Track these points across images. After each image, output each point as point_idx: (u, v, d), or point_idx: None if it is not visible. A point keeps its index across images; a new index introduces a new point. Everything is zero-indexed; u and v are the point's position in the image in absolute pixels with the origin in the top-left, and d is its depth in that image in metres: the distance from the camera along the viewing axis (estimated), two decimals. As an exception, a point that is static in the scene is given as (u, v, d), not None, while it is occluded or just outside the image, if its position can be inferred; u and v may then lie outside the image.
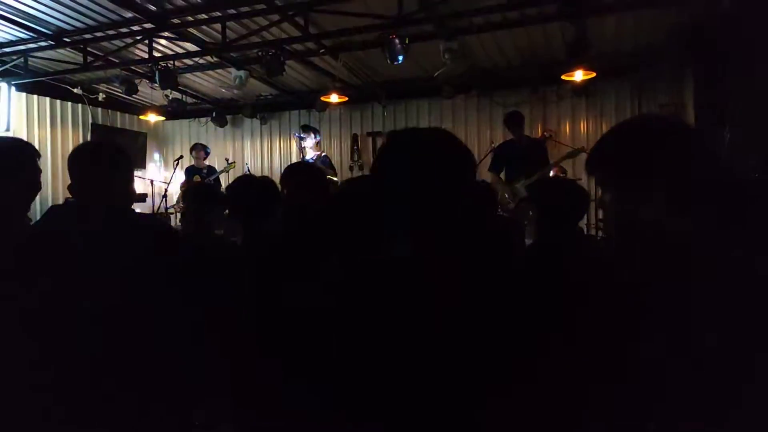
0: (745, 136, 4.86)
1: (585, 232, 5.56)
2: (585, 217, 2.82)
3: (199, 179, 7.61)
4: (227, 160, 8.47)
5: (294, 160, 8.76)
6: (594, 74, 6.53)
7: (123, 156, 1.98)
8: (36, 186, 2.09)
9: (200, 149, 7.97)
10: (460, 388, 1.10)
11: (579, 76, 6.55)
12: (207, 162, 8.11)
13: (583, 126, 7.98)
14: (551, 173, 6.04)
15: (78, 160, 1.90)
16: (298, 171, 2.94)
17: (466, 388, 1.10)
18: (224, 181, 7.74)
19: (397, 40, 5.66)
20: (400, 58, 5.80)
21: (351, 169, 9.10)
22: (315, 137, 6.92)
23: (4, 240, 1.86)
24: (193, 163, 7.99)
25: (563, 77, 6.77)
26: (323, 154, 7.02)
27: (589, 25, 5.99)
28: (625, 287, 1.18)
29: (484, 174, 6.05)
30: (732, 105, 5.17)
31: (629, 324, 1.10)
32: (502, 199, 5.72)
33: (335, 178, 6.52)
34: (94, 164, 1.89)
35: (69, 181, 1.88)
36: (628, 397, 1.08)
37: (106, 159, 1.92)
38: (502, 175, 6.11)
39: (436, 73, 6.43)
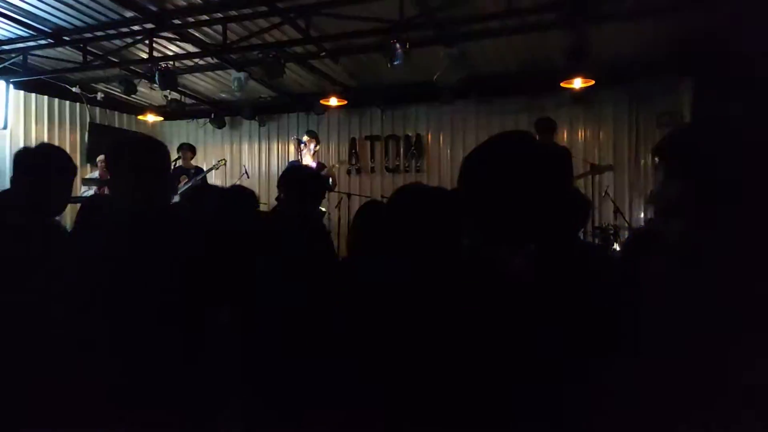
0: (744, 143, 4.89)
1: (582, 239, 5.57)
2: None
3: (186, 179, 7.56)
4: (223, 159, 8.45)
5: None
6: (592, 82, 6.58)
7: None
8: None
9: (186, 149, 7.93)
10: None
11: (578, 83, 6.59)
12: (195, 162, 8.08)
13: (581, 134, 8.02)
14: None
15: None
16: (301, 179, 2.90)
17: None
18: (215, 180, 7.71)
19: (397, 45, 5.68)
20: (400, 62, 5.81)
21: (349, 172, 9.10)
22: (315, 145, 6.95)
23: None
24: (180, 164, 7.95)
25: (562, 85, 6.81)
26: (320, 164, 7.05)
27: (588, 33, 6.02)
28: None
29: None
30: (731, 114, 5.20)
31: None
32: None
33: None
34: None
35: None
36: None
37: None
38: None
39: (435, 77, 6.43)
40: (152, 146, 2.01)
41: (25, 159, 2.08)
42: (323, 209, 5.84)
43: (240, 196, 2.51)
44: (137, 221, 1.80)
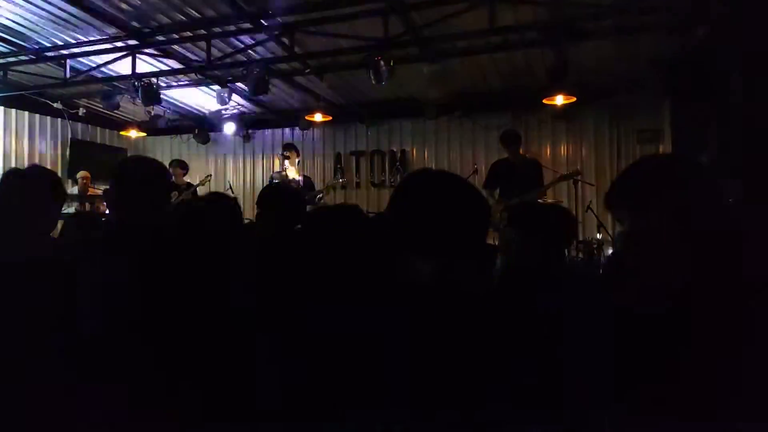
0: (722, 161, 4.98)
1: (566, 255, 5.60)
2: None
3: (178, 195, 7.51)
4: (209, 175, 8.39)
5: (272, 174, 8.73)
6: (574, 99, 6.66)
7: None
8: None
9: (177, 165, 7.88)
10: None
11: (559, 100, 6.68)
12: (186, 179, 8.03)
13: (563, 149, 8.11)
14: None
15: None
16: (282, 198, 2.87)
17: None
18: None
19: (382, 62, 5.72)
20: (385, 79, 5.85)
21: (334, 188, 9.08)
22: (297, 157, 6.93)
23: None
24: (171, 179, 7.90)
25: (544, 101, 6.89)
26: (306, 177, 7.05)
27: (570, 51, 6.12)
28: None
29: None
30: (709, 131, 5.30)
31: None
32: (495, 218, 5.73)
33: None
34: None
35: None
36: None
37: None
38: (496, 193, 6.11)
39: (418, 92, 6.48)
40: (157, 166, 2.04)
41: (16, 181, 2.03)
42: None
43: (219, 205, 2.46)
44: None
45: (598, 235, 6.52)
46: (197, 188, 7.76)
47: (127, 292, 1.67)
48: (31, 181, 1.95)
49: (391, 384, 1.15)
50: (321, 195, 7.01)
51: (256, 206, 2.75)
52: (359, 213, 1.70)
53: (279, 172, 7.08)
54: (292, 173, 6.86)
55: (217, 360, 1.63)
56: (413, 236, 1.26)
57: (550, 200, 6.13)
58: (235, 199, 2.40)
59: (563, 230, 2.36)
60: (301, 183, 6.71)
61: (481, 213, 1.30)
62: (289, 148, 7.01)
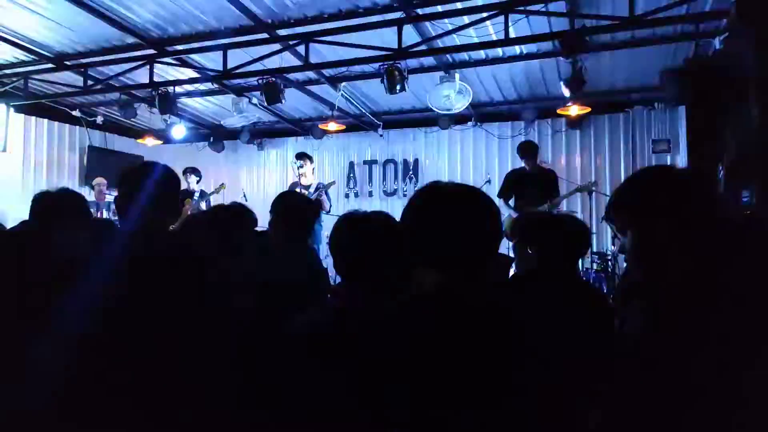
0: (738, 170, 4.93)
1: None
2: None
3: (191, 202, 7.57)
4: (222, 183, 8.44)
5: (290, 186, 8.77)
6: (589, 109, 6.65)
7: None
8: None
9: (191, 173, 7.94)
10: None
11: (574, 110, 6.66)
12: (200, 186, 8.09)
13: (577, 159, 8.06)
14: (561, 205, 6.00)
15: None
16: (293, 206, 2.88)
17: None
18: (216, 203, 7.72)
19: (396, 72, 5.74)
20: (399, 89, 5.87)
21: (347, 196, 9.12)
22: (311, 164, 6.96)
23: None
24: (185, 187, 7.96)
25: (559, 111, 6.88)
26: (322, 183, 7.06)
27: (585, 61, 6.12)
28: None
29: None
30: (724, 140, 5.25)
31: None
32: (509, 228, 5.69)
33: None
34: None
35: None
36: None
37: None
38: (511, 202, 6.08)
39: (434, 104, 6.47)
40: (171, 173, 2.12)
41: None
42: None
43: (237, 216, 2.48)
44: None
45: (612, 246, 6.48)
46: (210, 197, 7.82)
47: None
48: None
49: (392, 393, 1.15)
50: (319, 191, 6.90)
51: (270, 213, 2.77)
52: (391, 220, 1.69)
53: (296, 183, 7.09)
54: (308, 181, 6.90)
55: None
56: (420, 248, 1.28)
57: (563, 211, 6.10)
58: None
59: (572, 240, 2.33)
60: (315, 189, 6.72)
61: (488, 225, 1.30)
62: (302, 157, 7.04)
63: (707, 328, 1.10)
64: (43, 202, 2.20)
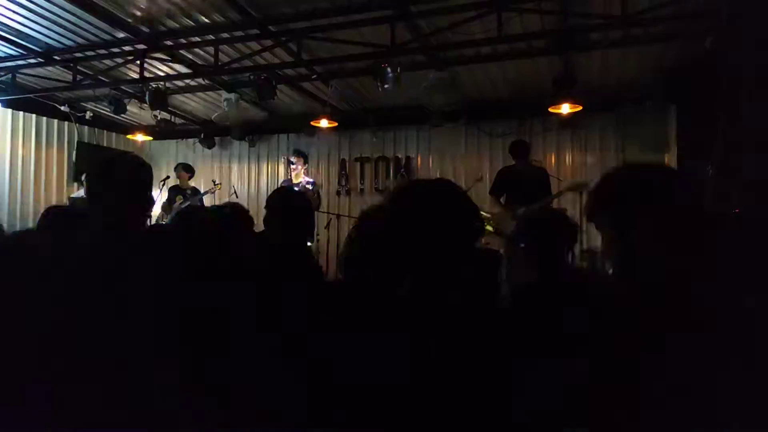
0: (728, 171, 4.97)
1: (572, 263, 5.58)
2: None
3: (183, 199, 7.55)
4: (214, 181, 8.41)
5: (282, 183, 8.74)
6: (580, 108, 6.66)
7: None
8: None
9: (182, 169, 7.90)
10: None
11: (565, 109, 6.68)
12: (192, 183, 8.05)
13: (568, 158, 8.10)
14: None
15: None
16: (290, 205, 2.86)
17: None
18: (209, 203, 7.69)
19: (388, 69, 5.73)
20: (391, 86, 5.86)
21: (338, 193, 9.11)
22: (305, 163, 6.95)
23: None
24: (177, 183, 7.92)
25: (550, 110, 6.90)
26: (313, 181, 7.04)
27: (576, 60, 6.14)
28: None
29: (480, 199, 6.05)
30: (715, 141, 5.29)
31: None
32: (501, 225, 5.70)
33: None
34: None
35: (51, 197, 1.90)
36: None
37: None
38: (503, 200, 6.09)
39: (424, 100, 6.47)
40: (138, 163, 2.01)
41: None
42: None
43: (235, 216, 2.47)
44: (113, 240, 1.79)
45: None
46: (203, 196, 7.78)
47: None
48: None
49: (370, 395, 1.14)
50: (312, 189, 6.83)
51: (265, 210, 2.75)
52: None
53: (288, 180, 7.09)
54: (299, 178, 6.88)
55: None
56: (395, 248, 1.26)
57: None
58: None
59: (559, 237, 2.34)
60: (307, 186, 6.72)
61: (463, 223, 1.28)
62: (295, 154, 7.03)
63: (675, 340, 1.09)
64: None
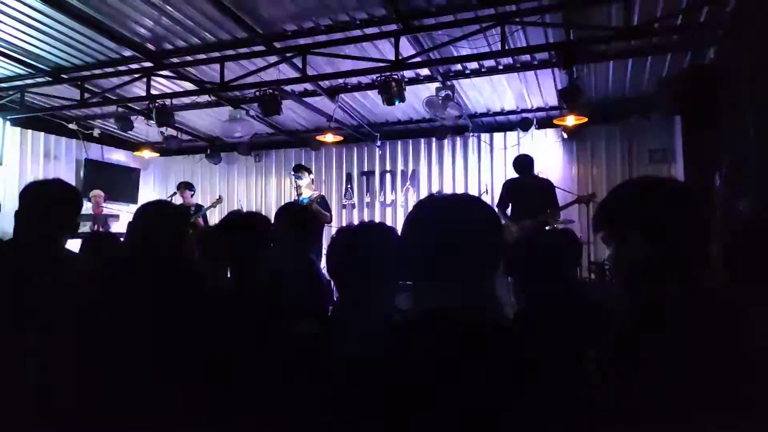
0: (734, 180, 4.94)
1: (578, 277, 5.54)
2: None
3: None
4: (219, 197, 8.42)
5: (288, 198, 8.76)
6: (585, 119, 6.66)
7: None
8: None
9: (184, 188, 7.91)
10: None
11: (571, 121, 6.68)
12: (195, 200, 8.07)
13: (574, 170, 8.08)
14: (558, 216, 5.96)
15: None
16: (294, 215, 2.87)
17: None
18: (212, 217, 7.71)
19: (393, 83, 5.76)
20: (396, 100, 5.88)
21: (344, 207, 9.11)
22: (309, 176, 6.93)
23: None
24: (180, 202, 7.93)
25: (555, 122, 6.90)
26: (320, 195, 7.02)
27: (581, 71, 6.15)
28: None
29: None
30: (721, 152, 5.27)
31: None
32: (507, 238, 5.65)
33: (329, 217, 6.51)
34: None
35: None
36: None
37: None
38: (509, 212, 6.05)
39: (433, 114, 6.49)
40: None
41: None
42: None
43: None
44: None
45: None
46: (207, 211, 7.79)
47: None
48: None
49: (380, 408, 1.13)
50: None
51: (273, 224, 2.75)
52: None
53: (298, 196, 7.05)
54: (307, 193, 6.87)
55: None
56: (416, 263, 1.26)
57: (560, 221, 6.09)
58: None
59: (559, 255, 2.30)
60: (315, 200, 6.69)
61: (487, 235, 1.28)
62: (300, 169, 7.03)
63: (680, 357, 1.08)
64: None
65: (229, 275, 2.32)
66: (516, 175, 6.25)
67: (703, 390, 1.04)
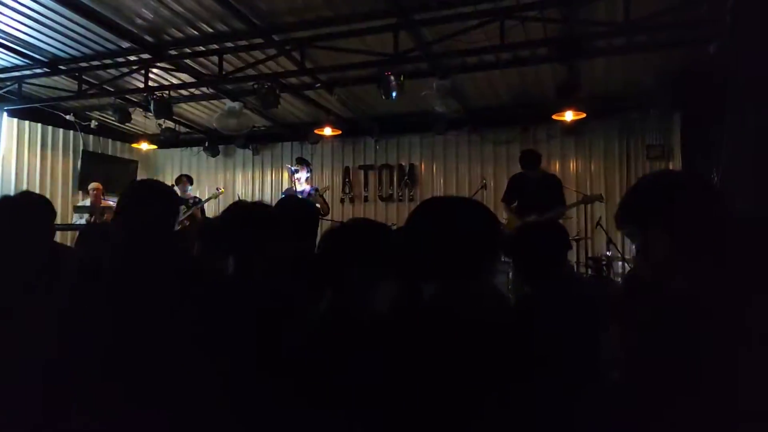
0: (733, 176, 4.94)
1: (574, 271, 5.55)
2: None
3: (185, 209, 7.53)
4: (218, 189, 8.39)
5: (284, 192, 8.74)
6: (584, 115, 6.66)
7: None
8: None
9: (184, 181, 7.89)
10: None
11: (569, 116, 6.68)
12: (195, 192, 8.05)
13: (572, 165, 8.08)
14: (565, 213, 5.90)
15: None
16: (293, 207, 2.87)
17: None
18: (210, 209, 7.70)
19: (392, 77, 5.75)
20: (394, 94, 5.87)
21: (342, 201, 9.11)
22: (307, 171, 6.93)
23: None
24: (178, 194, 7.89)
25: (554, 117, 6.89)
26: (316, 187, 7.02)
27: (580, 67, 6.14)
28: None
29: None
30: (719, 147, 5.27)
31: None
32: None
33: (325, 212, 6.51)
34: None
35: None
36: None
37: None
38: (514, 207, 6.00)
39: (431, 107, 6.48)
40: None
41: None
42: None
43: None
44: None
45: (607, 251, 6.48)
46: (205, 203, 7.77)
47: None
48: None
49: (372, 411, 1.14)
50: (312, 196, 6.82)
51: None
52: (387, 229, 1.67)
53: (290, 189, 7.07)
54: (303, 187, 6.87)
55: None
56: (416, 260, 1.28)
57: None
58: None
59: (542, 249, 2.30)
60: (309, 194, 6.69)
61: (481, 237, 1.29)
62: (298, 163, 7.02)
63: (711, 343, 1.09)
64: None
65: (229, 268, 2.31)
66: (519, 171, 6.19)
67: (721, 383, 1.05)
